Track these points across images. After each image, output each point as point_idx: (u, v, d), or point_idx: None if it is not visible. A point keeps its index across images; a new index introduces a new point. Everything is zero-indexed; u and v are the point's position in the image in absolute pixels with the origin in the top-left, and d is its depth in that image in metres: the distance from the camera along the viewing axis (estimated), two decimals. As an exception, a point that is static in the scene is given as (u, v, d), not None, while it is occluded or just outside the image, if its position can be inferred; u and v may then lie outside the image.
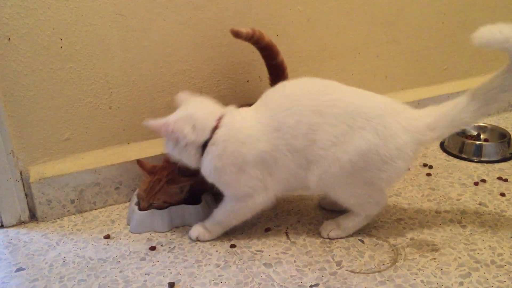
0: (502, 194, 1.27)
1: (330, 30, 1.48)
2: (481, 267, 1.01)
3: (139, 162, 1.23)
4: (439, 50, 1.70)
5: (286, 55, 1.42)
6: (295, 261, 1.06)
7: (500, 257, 1.03)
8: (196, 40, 1.32)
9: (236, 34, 1.20)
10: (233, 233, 1.17)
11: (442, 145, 1.56)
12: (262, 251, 1.10)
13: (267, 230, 1.17)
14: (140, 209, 1.21)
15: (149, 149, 1.32)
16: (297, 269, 1.03)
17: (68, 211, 1.28)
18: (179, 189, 1.20)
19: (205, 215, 1.21)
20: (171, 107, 1.35)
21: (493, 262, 1.02)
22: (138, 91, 1.30)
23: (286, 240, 1.13)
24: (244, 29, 1.20)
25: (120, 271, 1.05)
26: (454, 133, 1.54)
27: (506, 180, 1.34)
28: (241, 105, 1.18)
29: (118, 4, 1.21)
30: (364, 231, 1.14)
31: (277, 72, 1.29)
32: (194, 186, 1.25)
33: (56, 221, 1.27)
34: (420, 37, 1.64)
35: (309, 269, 1.03)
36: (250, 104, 1.16)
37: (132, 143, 1.35)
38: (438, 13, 1.64)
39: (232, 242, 1.13)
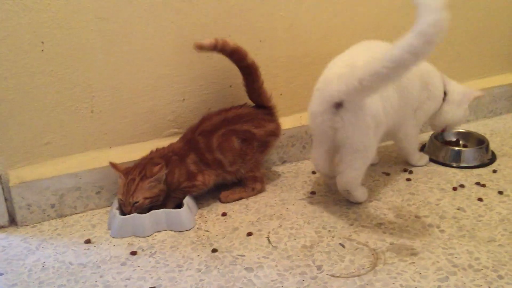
0: (480, 199, 1.30)
1: (313, 36, 1.50)
2: (459, 271, 1.02)
3: (112, 164, 1.23)
4: (420, 57, 1.72)
5: (269, 60, 1.44)
6: (276, 266, 1.06)
7: (477, 261, 1.05)
8: (178, 45, 1.32)
9: (200, 47, 1.22)
10: (214, 238, 1.17)
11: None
12: (243, 256, 1.10)
13: (249, 234, 1.18)
14: (124, 214, 1.20)
15: (130, 154, 1.32)
16: (278, 274, 1.03)
17: (48, 215, 1.27)
18: (155, 181, 1.20)
19: (187, 219, 1.21)
20: (153, 111, 1.35)
21: (470, 266, 1.04)
22: (120, 95, 1.30)
23: (268, 245, 1.14)
24: (207, 41, 1.22)
25: (101, 276, 1.04)
26: (434, 139, 1.58)
27: (484, 186, 1.37)
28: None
29: (100, 8, 1.20)
30: (345, 236, 1.16)
31: (250, 72, 1.31)
32: (175, 189, 1.25)
33: (36, 225, 1.26)
34: (401, 44, 1.66)
35: (290, 273, 1.03)
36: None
37: (114, 147, 1.34)
38: (419, 21, 1.66)
39: (214, 247, 1.13)
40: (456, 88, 1.47)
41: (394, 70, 1.02)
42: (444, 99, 1.46)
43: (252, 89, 1.34)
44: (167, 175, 1.22)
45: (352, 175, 1.23)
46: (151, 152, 1.28)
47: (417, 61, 1.00)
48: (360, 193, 1.29)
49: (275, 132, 1.37)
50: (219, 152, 1.29)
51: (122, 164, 1.26)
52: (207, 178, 1.28)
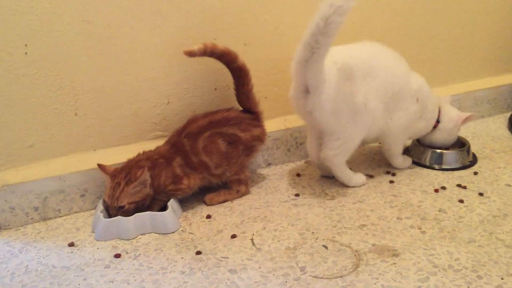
0: (461, 201, 1.32)
1: (297, 40, 1.50)
2: (439, 271, 1.04)
3: (100, 165, 1.23)
4: (403, 61, 1.75)
5: (253, 63, 1.45)
6: (259, 267, 1.07)
7: (457, 262, 1.07)
8: (164, 48, 1.33)
9: (190, 54, 1.24)
10: (199, 240, 1.17)
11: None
12: (227, 258, 1.11)
13: (233, 236, 1.18)
14: (110, 216, 1.20)
15: (115, 156, 1.32)
16: (261, 275, 1.04)
17: (32, 218, 1.27)
18: (140, 185, 1.20)
19: (172, 222, 1.21)
20: (138, 114, 1.35)
21: (450, 266, 1.05)
22: (104, 98, 1.30)
23: (252, 247, 1.15)
24: (196, 47, 1.23)
25: (84, 279, 1.04)
26: (417, 142, 1.60)
27: (465, 187, 1.39)
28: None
29: (85, 11, 1.21)
30: (328, 237, 1.17)
31: (240, 75, 1.33)
32: (160, 192, 1.26)
33: (20, 228, 1.25)
34: (384, 48, 1.68)
35: (273, 275, 1.04)
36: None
37: (98, 150, 1.34)
38: (401, 25, 1.69)
39: (198, 249, 1.14)
40: (449, 115, 1.53)
41: (315, 37, 1.15)
42: (436, 126, 1.53)
43: (241, 92, 1.35)
44: (153, 178, 1.23)
45: (328, 153, 1.35)
46: (138, 154, 1.28)
47: (326, 27, 1.13)
48: (345, 176, 1.40)
49: (261, 138, 1.38)
50: (204, 154, 1.29)
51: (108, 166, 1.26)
52: (192, 182, 1.29)
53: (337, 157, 1.36)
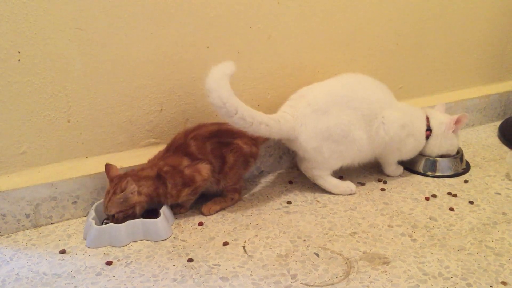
0: (451, 209, 1.33)
1: (290, 48, 1.52)
2: (429, 279, 1.05)
3: (106, 166, 1.25)
4: (395, 70, 1.76)
5: (246, 71, 1.46)
6: (251, 275, 1.07)
7: (447, 270, 1.08)
8: (157, 55, 1.33)
9: None
10: (191, 247, 1.17)
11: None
12: (219, 265, 1.11)
13: (225, 244, 1.19)
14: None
15: (107, 163, 1.32)
16: (253, 283, 1.04)
17: (23, 225, 1.26)
18: (125, 197, 1.19)
19: (164, 229, 1.21)
20: (131, 121, 1.36)
21: (440, 274, 1.06)
22: (97, 105, 1.30)
23: (244, 254, 1.15)
24: None
25: (75, 286, 1.04)
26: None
27: (455, 196, 1.40)
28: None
29: (78, 19, 1.21)
30: (320, 245, 1.17)
31: None
32: (153, 199, 1.26)
33: (11, 235, 1.25)
34: (376, 56, 1.70)
35: (265, 282, 1.05)
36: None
37: (90, 157, 1.34)
38: (393, 35, 1.71)
39: (190, 256, 1.14)
40: (438, 120, 1.53)
41: (249, 128, 1.26)
42: (430, 136, 1.53)
43: None
44: (158, 186, 1.24)
45: (307, 166, 1.43)
46: (156, 156, 1.31)
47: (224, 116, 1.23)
48: (327, 184, 1.43)
49: (255, 156, 1.41)
50: (212, 156, 1.31)
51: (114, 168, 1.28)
52: (205, 173, 1.29)
53: (317, 170, 1.42)
